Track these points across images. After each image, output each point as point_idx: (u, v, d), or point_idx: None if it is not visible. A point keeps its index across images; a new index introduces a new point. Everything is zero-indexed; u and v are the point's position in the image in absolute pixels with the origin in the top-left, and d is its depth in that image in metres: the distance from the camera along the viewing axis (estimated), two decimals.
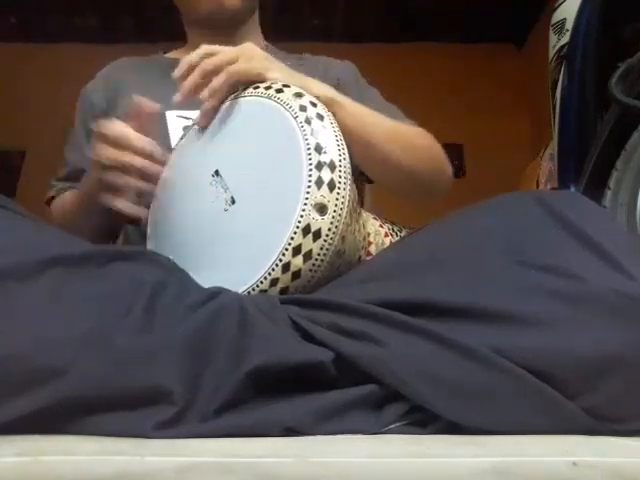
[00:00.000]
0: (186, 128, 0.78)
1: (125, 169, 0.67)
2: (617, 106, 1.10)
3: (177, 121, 0.84)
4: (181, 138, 0.74)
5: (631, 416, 0.44)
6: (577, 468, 0.34)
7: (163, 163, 0.69)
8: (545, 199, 0.53)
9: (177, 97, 0.67)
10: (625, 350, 0.43)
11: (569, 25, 1.34)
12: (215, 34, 0.87)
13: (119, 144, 0.66)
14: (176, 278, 0.51)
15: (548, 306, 0.45)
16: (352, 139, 0.64)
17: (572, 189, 1.27)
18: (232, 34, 0.91)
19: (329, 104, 0.65)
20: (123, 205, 0.68)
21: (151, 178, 0.69)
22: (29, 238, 0.49)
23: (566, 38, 1.35)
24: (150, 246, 0.69)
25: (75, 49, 3.37)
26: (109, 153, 0.67)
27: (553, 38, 1.42)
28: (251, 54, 0.67)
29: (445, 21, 3.48)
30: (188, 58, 0.67)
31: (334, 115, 0.64)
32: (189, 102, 0.67)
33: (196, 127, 0.71)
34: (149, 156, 0.67)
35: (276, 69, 0.67)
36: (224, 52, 0.66)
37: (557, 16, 1.40)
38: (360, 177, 0.92)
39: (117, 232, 0.90)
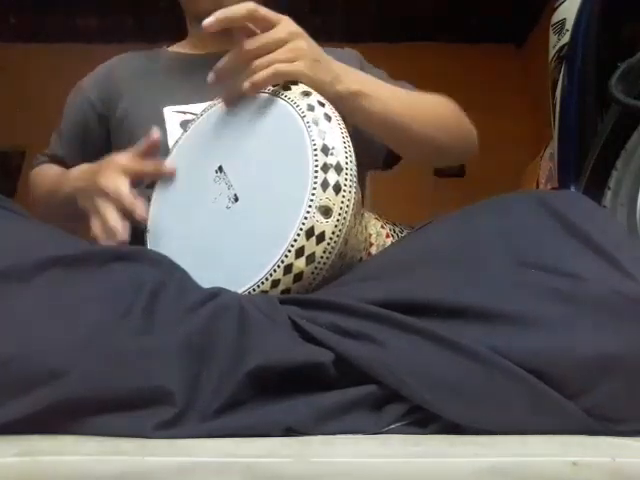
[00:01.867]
0: (184, 123, 0.78)
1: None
2: (617, 106, 1.10)
3: (174, 117, 0.84)
4: (184, 132, 0.73)
5: (631, 416, 0.44)
6: (577, 468, 0.34)
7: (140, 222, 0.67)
8: (545, 199, 0.53)
9: (210, 77, 0.65)
10: (625, 350, 0.43)
11: (569, 25, 1.34)
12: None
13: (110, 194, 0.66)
14: (176, 278, 0.51)
15: (548, 306, 0.45)
16: (381, 125, 0.67)
17: (572, 189, 1.27)
18: (233, 31, 0.90)
19: (355, 97, 0.67)
20: (99, 231, 0.67)
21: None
22: (29, 238, 0.49)
23: (566, 38, 1.35)
24: (150, 243, 0.69)
25: (75, 49, 3.37)
26: (99, 199, 0.66)
27: (553, 38, 1.42)
28: (298, 50, 0.64)
29: (445, 21, 3.48)
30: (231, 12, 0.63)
31: (360, 106, 0.66)
32: (194, 87, 0.66)
33: (198, 122, 0.70)
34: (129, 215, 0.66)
35: (316, 72, 0.64)
36: (272, 36, 0.63)
37: (557, 16, 1.40)
38: (365, 171, 0.93)
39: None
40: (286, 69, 0.63)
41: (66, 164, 0.89)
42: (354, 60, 0.93)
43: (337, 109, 0.62)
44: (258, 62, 0.62)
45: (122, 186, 0.66)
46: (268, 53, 0.63)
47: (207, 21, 0.63)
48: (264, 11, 0.64)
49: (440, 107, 0.82)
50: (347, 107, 0.67)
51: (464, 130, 0.85)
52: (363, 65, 0.94)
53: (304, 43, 0.65)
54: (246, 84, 0.63)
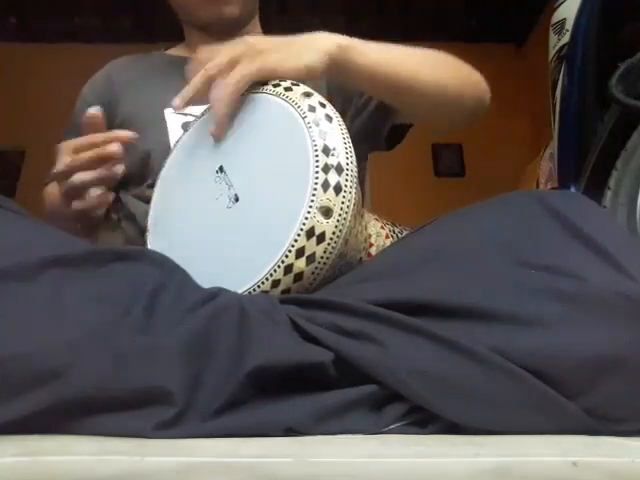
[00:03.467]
0: (185, 125, 0.78)
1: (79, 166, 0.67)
2: (617, 106, 1.10)
3: (175, 118, 0.84)
4: (184, 132, 0.73)
5: (631, 416, 0.44)
6: (577, 468, 0.34)
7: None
8: (545, 199, 0.53)
9: (175, 101, 0.65)
10: (625, 350, 0.43)
11: (569, 25, 1.34)
12: (214, 36, 0.87)
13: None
14: (176, 278, 0.51)
15: (548, 306, 0.45)
16: (379, 75, 0.63)
17: (572, 189, 1.27)
18: (232, 35, 0.90)
19: (343, 50, 0.64)
20: (82, 204, 0.68)
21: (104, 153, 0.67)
22: (29, 238, 0.49)
23: (566, 38, 1.35)
24: (150, 243, 0.69)
25: (75, 49, 3.37)
26: (63, 160, 0.67)
27: (553, 38, 1.42)
28: (252, 51, 0.64)
29: (445, 21, 3.48)
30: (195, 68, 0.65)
31: (355, 61, 0.64)
32: (188, 106, 0.66)
33: (199, 122, 0.70)
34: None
35: (279, 54, 0.64)
36: (223, 55, 0.63)
37: (557, 16, 1.40)
38: (367, 152, 0.92)
39: (97, 226, 0.90)
40: (242, 73, 0.62)
41: None
42: None
43: (330, 72, 0.61)
44: (214, 76, 0.62)
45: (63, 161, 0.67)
46: (230, 68, 0.62)
47: (176, 104, 0.64)
48: (215, 62, 0.63)
49: (443, 56, 0.78)
50: (339, 65, 0.65)
51: (473, 76, 0.80)
52: None
53: (258, 42, 0.64)
54: (213, 105, 0.62)
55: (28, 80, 3.25)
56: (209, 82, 0.63)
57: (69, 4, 3.29)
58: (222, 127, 0.64)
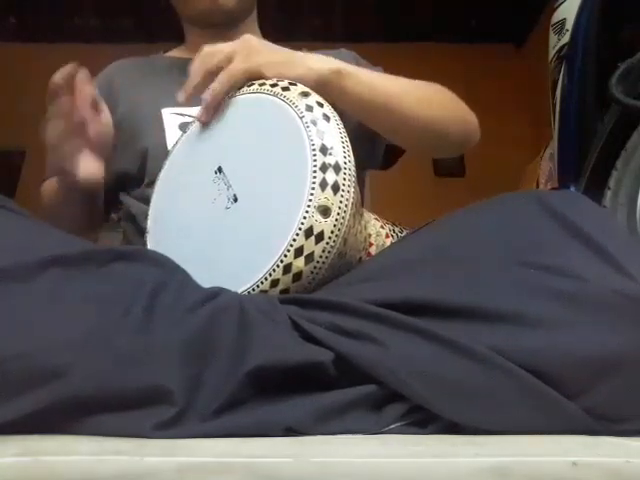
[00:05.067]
0: (183, 125, 0.78)
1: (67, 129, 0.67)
2: (617, 106, 1.10)
3: (173, 118, 0.84)
4: (183, 133, 0.73)
5: (631, 416, 0.44)
6: (577, 468, 0.34)
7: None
8: (545, 199, 0.53)
9: (179, 96, 0.67)
10: (625, 350, 0.43)
11: (569, 25, 1.34)
12: (212, 34, 0.87)
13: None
14: (176, 278, 0.51)
15: (548, 306, 0.45)
16: (370, 106, 0.65)
17: (572, 189, 1.27)
18: (229, 34, 0.90)
19: (338, 76, 0.65)
20: (81, 167, 0.68)
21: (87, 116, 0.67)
22: (29, 238, 0.49)
23: (566, 38, 1.35)
24: (150, 243, 0.69)
25: (75, 49, 3.37)
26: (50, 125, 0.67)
27: (553, 38, 1.42)
28: (249, 49, 0.66)
29: (445, 21, 3.48)
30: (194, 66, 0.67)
31: (345, 87, 0.65)
32: (191, 101, 0.67)
33: (197, 122, 0.70)
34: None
35: (275, 58, 0.66)
36: (221, 50, 0.66)
37: (557, 16, 1.40)
38: (363, 172, 0.92)
39: (98, 221, 0.92)
40: (235, 69, 0.64)
41: None
42: (349, 59, 0.93)
43: (321, 94, 0.62)
44: (210, 72, 0.65)
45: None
46: (227, 63, 0.65)
47: (179, 99, 0.67)
48: (214, 57, 0.66)
49: (434, 90, 0.79)
50: (331, 89, 0.66)
51: (462, 112, 0.81)
52: (359, 62, 0.94)
53: (254, 42, 0.67)
54: (205, 95, 0.65)
55: (28, 80, 3.25)
56: (208, 77, 0.65)
57: (69, 4, 3.29)
58: (208, 114, 0.66)
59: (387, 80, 0.73)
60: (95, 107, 0.69)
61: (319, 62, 0.67)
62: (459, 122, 0.81)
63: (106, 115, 0.71)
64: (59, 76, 0.65)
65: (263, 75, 0.65)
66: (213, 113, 0.66)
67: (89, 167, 0.69)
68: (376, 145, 0.87)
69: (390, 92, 0.71)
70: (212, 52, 0.66)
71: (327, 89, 0.65)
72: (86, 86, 0.67)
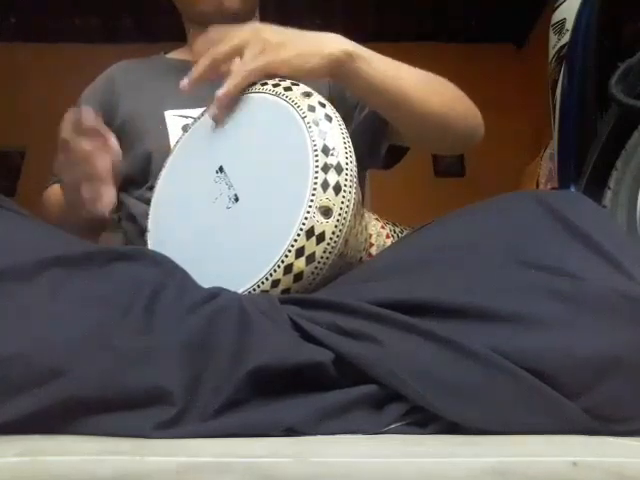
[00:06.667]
0: (185, 127, 0.78)
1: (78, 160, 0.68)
2: (617, 106, 1.10)
3: (176, 120, 0.84)
4: (184, 133, 0.73)
5: (631, 416, 0.44)
6: (577, 468, 0.34)
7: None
8: (545, 199, 0.53)
9: (182, 83, 0.66)
10: (625, 350, 0.43)
11: (569, 25, 1.34)
12: None
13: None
14: (176, 278, 0.51)
15: (548, 306, 0.45)
16: (382, 90, 0.65)
17: (572, 189, 1.27)
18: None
19: (350, 59, 0.65)
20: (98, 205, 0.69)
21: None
22: (29, 238, 0.49)
23: (566, 38, 1.35)
24: (150, 243, 0.69)
25: (75, 49, 3.38)
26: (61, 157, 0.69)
27: (553, 38, 1.42)
28: (262, 44, 0.64)
29: (445, 21, 3.48)
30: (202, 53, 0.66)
31: (359, 69, 0.65)
32: (194, 91, 0.66)
33: (199, 122, 0.70)
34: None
35: (288, 53, 0.64)
36: (231, 39, 0.64)
37: (557, 16, 1.40)
38: (364, 171, 0.92)
39: (102, 230, 0.91)
40: (252, 67, 0.63)
41: None
42: None
43: (335, 77, 0.62)
44: (229, 68, 0.64)
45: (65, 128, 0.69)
46: (236, 54, 0.64)
47: (182, 84, 0.66)
48: (222, 45, 0.64)
49: (443, 83, 0.79)
50: (344, 71, 0.66)
51: (468, 108, 0.81)
52: None
53: (267, 33, 0.65)
54: (219, 92, 0.63)
55: (28, 80, 3.25)
56: (215, 65, 0.65)
57: (69, 4, 3.29)
58: (222, 111, 0.65)
59: (403, 67, 0.73)
60: (101, 137, 0.69)
61: (331, 44, 0.65)
62: (469, 117, 0.80)
63: (113, 142, 0.70)
64: (65, 133, 0.68)
65: (277, 74, 0.64)
66: (227, 112, 0.65)
67: (107, 203, 0.70)
68: (379, 144, 0.87)
69: (402, 78, 0.70)
70: (221, 39, 0.65)
71: (341, 71, 0.65)
72: (92, 123, 0.68)
